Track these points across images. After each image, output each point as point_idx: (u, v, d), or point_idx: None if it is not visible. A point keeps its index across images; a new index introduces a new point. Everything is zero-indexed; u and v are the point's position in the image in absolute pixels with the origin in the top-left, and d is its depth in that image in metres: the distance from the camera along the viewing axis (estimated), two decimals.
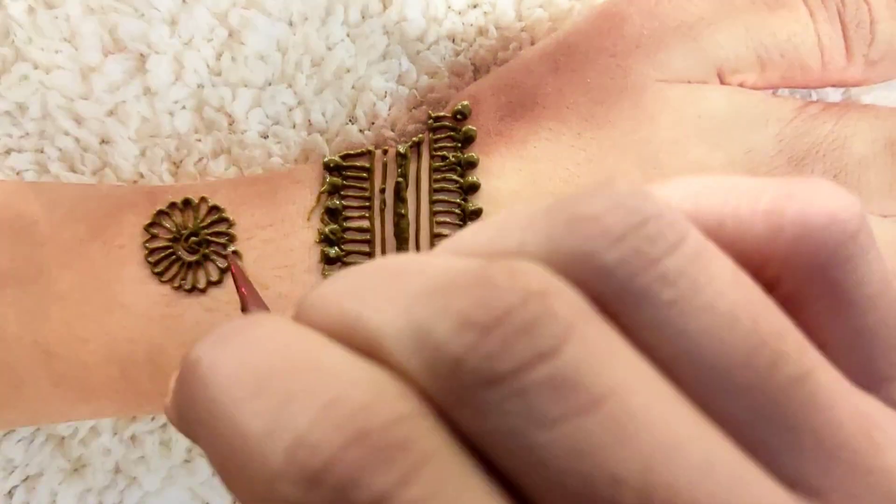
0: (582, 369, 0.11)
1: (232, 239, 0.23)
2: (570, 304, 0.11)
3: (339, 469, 0.10)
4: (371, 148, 0.24)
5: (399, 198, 0.24)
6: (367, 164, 0.24)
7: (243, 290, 0.21)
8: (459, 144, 0.24)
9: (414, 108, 0.26)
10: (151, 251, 0.23)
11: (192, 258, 0.23)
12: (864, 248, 0.13)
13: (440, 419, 0.11)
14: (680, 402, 0.11)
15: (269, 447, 0.11)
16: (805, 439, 0.12)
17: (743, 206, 0.13)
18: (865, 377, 0.13)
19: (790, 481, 0.12)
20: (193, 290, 0.23)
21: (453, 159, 0.24)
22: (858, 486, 0.12)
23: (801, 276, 0.13)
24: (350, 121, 0.26)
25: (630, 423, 0.11)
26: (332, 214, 0.24)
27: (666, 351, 0.12)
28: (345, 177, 0.24)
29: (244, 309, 0.20)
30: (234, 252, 0.23)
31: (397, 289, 0.12)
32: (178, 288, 0.23)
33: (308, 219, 0.24)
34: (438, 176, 0.24)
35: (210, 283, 0.23)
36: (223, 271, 0.23)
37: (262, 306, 0.20)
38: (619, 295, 0.12)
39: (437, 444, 0.11)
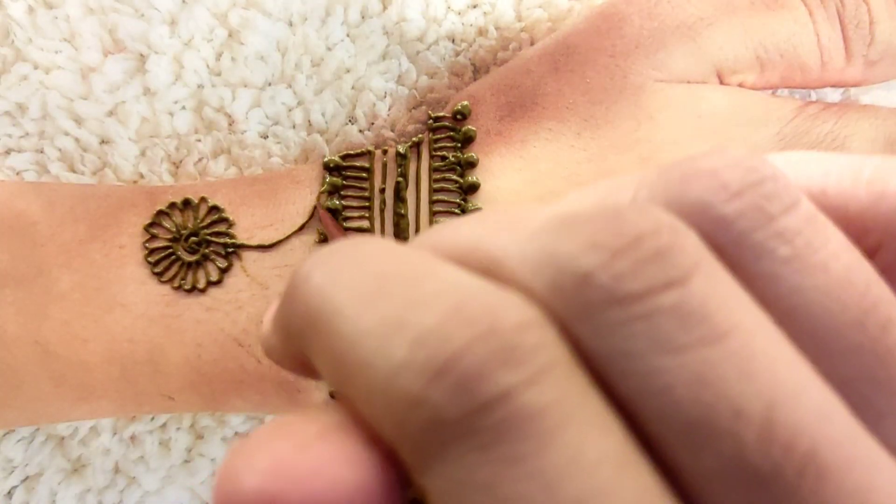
0: (708, 303, 0.11)
1: (232, 238, 0.23)
2: (696, 243, 0.11)
3: (466, 362, 0.10)
4: (371, 148, 0.24)
5: (399, 198, 0.24)
6: (366, 165, 0.24)
7: (338, 234, 0.20)
8: (459, 144, 0.24)
9: (414, 108, 0.26)
10: (151, 251, 0.23)
11: (192, 258, 0.23)
12: None
13: (563, 334, 0.11)
14: (795, 351, 0.11)
15: (393, 341, 0.11)
16: None
17: (846, 176, 0.13)
18: None
19: (892, 445, 0.12)
20: (193, 289, 0.23)
21: (453, 159, 0.24)
22: None
23: None
24: (350, 121, 0.26)
25: (754, 360, 0.11)
26: (331, 214, 0.24)
27: (781, 305, 0.12)
28: (344, 177, 0.24)
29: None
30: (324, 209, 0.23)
31: (518, 223, 0.12)
32: (178, 288, 0.23)
33: (308, 219, 0.24)
34: (438, 176, 0.24)
35: (210, 283, 0.23)
36: (223, 271, 0.23)
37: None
38: (738, 246, 0.12)
39: (562, 354, 0.11)
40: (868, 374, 0.12)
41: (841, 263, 0.12)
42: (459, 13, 0.26)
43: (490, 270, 0.12)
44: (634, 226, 0.11)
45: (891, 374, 0.12)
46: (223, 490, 0.11)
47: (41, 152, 0.25)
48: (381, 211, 0.24)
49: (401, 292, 0.11)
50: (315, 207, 0.24)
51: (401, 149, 0.24)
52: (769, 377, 0.11)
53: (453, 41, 0.26)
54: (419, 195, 0.24)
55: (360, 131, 0.26)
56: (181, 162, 0.25)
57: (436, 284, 0.11)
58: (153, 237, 0.23)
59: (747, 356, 0.11)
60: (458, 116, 0.24)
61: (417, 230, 0.24)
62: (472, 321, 0.11)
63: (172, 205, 0.23)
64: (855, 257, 0.12)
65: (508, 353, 0.10)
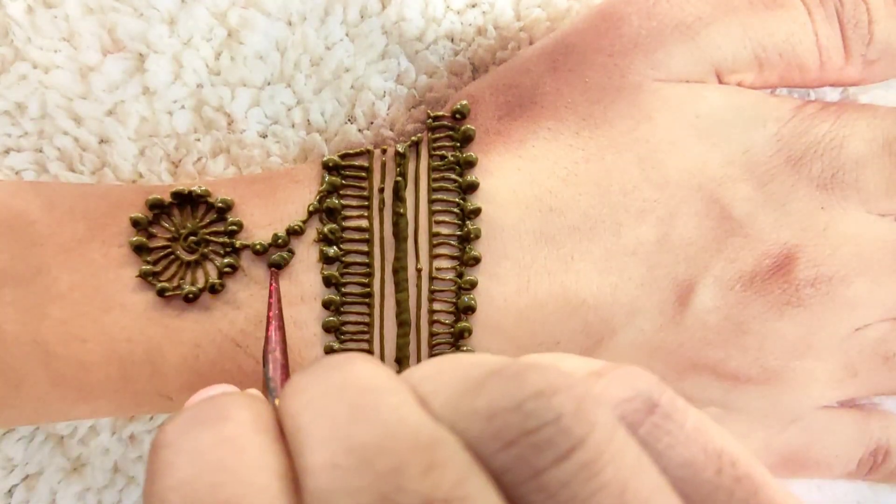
0: None
1: (230, 238, 0.23)
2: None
3: None
4: (370, 147, 0.24)
5: (398, 197, 0.24)
6: (365, 164, 0.24)
7: (271, 314, 0.21)
8: (458, 144, 0.24)
9: (413, 107, 0.26)
10: (150, 250, 0.23)
11: (191, 258, 0.23)
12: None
13: None
14: None
15: None
16: None
17: None
18: None
19: None
20: None
21: (452, 158, 0.24)
22: None
23: None
24: (349, 120, 0.26)
25: None
26: (330, 214, 0.24)
27: None
28: (343, 176, 0.24)
29: (267, 328, 0.21)
30: (275, 267, 0.23)
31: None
32: (177, 287, 0.23)
33: (307, 218, 0.24)
34: (437, 175, 0.24)
35: (209, 283, 0.23)
36: (221, 271, 0.23)
37: (282, 340, 0.20)
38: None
39: None
40: None
41: None
42: (458, 12, 0.26)
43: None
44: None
45: None
46: (151, 483, 0.13)
47: (40, 151, 0.25)
48: (380, 210, 0.24)
49: None
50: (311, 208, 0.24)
51: (400, 148, 0.24)
52: None
53: (452, 40, 0.26)
54: (418, 194, 0.24)
55: (360, 130, 0.26)
56: (180, 161, 0.25)
57: None
58: (152, 236, 0.23)
59: None
60: (458, 116, 0.24)
61: (416, 229, 0.24)
62: None
63: (171, 204, 0.23)
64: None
65: None
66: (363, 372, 0.14)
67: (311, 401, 0.14)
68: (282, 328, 0.20)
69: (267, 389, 0.19)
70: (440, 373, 0.14)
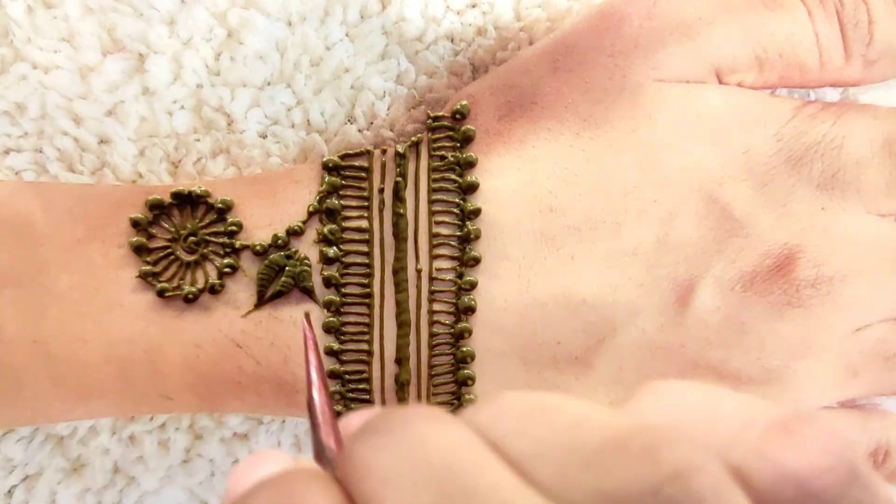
0: None
1: (230, 238, 0.23)
2: None
3: None
4: (370, 148, 0.24)
5: (398, 197, 0.24)
6: (365, 164, 0.24)
7: (311, 357, 0.18)
8: (458, 144, 0.24)
9: (413, 107, 0.26)
10: (150, 251, 0.23)
11: (191, 258, 0.23)
12: None
13: None
14: None
15: None
16: None
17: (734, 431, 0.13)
18: None
19: None
20: None
21: (452, 159, 0.24)
22: None
23: None
24: (349, 120, 0.26)
25: None
26: (330, 214, 0.24)
27: None
28: (343, 177, 0.24)
29: (309, 387, 0.17)
30: (307, 314, 0.20)
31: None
32: (177, 288, 0.23)
33: (307, 219, 0.24)
34: (437, 175, 0.24)
35: (208, 283, 0.23)
36: (221, 271, 0.23)
37: (329, 400, 0.17)
38: None
39: None
40: None
41: None
42: (458, 13, 0.26)
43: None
44: None
45: None
46: None
47: (40, 152, 0.25)
48: (380, 211, 0.24)
49: None
50: (314, 211, 0.24)
51: (400, 148, 0.24)
52: None
53: (452, 41, 0.26)
54: (418, 195, 0.24)
55: (359, 131, 0.26)
56: (180, 162, 0.25)
57: None
58: (152, 237, 0.23)
59: None
60: (458, 116, 0.24)
61: (416, 230, 0.24)
62: None
63: (171, 205, 0.23)
64: None
65: None
66: (436, 437, 0.12)
67: (387, 480, 0.12)
68: (326, 386, 0.17)
69: (322, 458, 0.16)
70: (532, 430, 0.13)
